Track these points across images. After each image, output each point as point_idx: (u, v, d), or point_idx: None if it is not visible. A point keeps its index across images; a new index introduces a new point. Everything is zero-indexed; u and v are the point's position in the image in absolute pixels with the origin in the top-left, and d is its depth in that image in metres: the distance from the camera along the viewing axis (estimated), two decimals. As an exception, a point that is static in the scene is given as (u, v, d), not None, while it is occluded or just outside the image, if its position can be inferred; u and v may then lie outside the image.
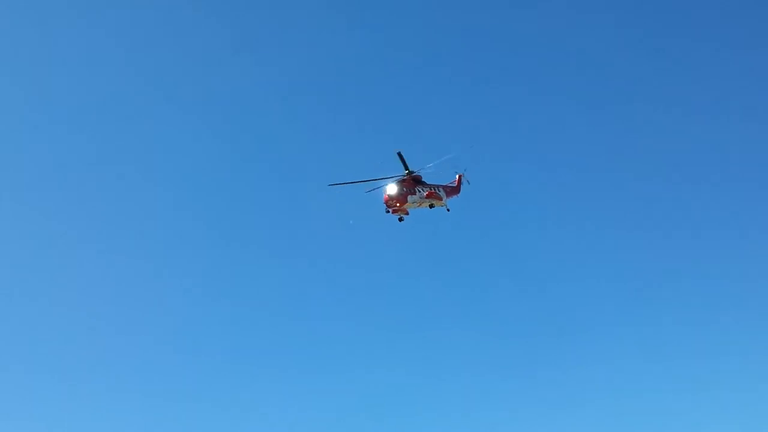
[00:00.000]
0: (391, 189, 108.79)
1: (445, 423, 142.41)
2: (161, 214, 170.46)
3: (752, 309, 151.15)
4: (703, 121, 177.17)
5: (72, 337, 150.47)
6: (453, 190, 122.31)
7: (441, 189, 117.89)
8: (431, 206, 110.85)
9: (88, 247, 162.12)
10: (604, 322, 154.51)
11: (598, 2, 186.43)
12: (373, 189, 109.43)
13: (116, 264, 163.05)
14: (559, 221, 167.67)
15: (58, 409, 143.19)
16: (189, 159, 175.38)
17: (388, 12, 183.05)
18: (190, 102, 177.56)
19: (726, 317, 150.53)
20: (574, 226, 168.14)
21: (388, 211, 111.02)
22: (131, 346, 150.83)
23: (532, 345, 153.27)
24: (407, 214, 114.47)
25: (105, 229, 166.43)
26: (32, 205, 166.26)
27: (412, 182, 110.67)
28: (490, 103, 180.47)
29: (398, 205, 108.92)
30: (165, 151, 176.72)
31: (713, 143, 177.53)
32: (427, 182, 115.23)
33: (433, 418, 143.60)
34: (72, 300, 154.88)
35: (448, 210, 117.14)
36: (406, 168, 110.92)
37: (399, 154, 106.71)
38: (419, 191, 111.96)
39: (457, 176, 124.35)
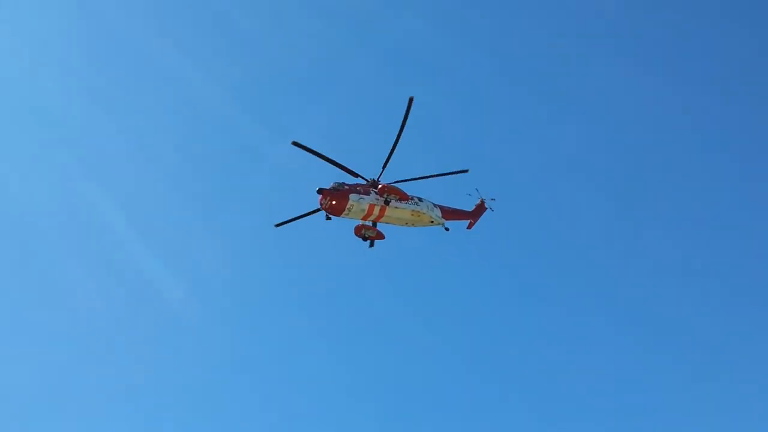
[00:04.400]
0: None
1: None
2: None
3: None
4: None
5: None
6: (461, 213, 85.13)
7: (435, 206, 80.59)
8: (387, 202, 75.21)
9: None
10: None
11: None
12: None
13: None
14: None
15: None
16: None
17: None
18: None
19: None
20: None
21: (329, 218, 74.55)
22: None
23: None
24: (379, 236, 77.02)
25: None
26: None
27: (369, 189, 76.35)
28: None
29: (333, 203, 73.77)
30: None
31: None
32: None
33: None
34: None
35: (447, 229, 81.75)
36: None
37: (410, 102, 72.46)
38: (374, 192, 75.55)
39: (479, 200, 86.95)
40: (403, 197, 76.46)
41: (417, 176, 77.30)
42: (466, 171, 79.26)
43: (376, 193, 75.13)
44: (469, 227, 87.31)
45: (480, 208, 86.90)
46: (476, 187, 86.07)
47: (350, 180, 75.52)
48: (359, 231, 76.37)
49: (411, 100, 72.31)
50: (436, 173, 77.62)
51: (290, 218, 77.38)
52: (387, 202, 75.44)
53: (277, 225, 78.34)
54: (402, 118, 73.05)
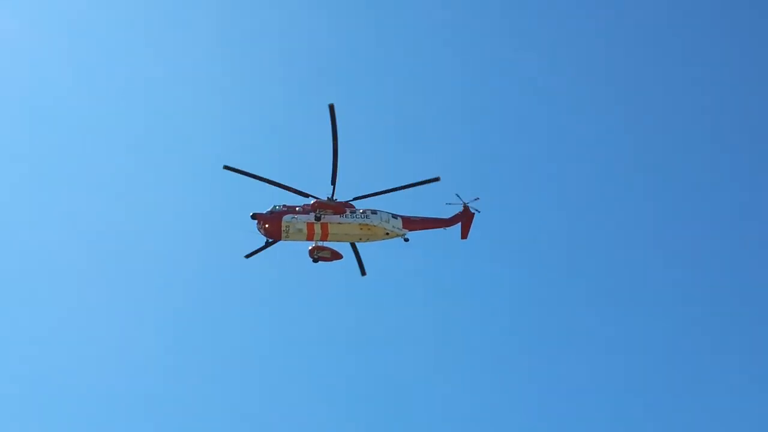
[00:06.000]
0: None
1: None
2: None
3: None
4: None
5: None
6: (433, 222, 77.70)
7: (394, 217, 75.07)
8: (318, 218, 71.86)
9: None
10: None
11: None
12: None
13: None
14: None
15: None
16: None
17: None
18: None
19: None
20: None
21: (270, 242, 72.81)
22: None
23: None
24: (335, 256, 73.50)
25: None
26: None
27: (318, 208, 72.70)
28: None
29: (266, 226, 72.44)
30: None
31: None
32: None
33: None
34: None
35: (406, 240, 76.08)
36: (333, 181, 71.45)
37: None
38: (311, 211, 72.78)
39: (462, 206, 78.24)
40: (337, 210, 72.28)
41: (387, 189, 72.85)
42: (437, 179, 73.65)
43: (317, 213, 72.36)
44: (462, 237, 79.92)
45: (465, 214, 79.02)
46: (456, 193, 78.32)
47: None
48: (312, 253, 73.06)
49: (332, 107, 67.95)
50: (406, 184, 72.80)
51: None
52: (318, 218, 71.70)
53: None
54: (331, 129, 68.63)
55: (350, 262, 73.41)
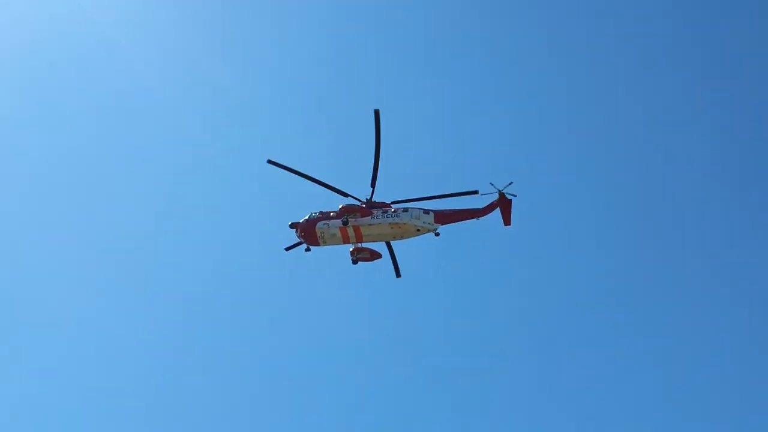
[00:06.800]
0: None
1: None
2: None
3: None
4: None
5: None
6: (468, 213, 77.60)
7: (426, 212, 75.89)
8: (345, 223, 74.12)
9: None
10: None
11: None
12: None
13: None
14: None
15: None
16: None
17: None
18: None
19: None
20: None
21: (308, 249, 76.13)
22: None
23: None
24: (374, 256, 76.63)
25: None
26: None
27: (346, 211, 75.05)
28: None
29: (303, 234, 75.63)
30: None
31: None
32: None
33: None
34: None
35: (437, 234, 76.59)
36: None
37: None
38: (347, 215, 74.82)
39: (497, 194, 77.45)
40: (364, 213, 74.59)
41: (427, 195, 75.42)
42: (475, 192, 75.59)
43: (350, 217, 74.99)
44: (505, 224, 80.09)
45: (501, 201, 79.13)
46: (490, 182, 78.47)
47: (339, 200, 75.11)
48: (352, 255, 76.14)
49: (377, 113, 71.62)
50: (445, 193, 75.47)
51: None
52: (345, 223, 74.13)
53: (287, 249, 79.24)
54: (375, 135, 72.26)
55: (387, 261, 76.05)
